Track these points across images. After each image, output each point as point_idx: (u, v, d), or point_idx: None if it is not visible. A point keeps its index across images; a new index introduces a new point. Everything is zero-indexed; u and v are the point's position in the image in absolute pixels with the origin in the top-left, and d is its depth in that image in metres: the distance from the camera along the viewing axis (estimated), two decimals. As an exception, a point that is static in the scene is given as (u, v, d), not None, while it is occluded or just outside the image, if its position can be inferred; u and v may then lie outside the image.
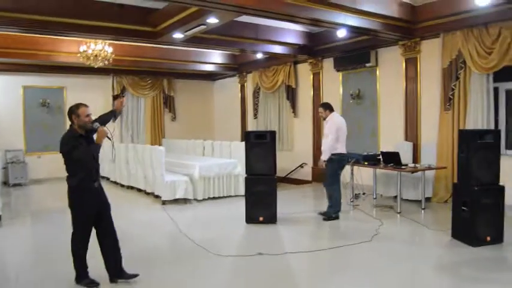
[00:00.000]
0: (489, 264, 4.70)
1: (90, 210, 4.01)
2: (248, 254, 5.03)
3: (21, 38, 9.50)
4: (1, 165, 7.14)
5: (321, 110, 6.87)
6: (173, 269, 4.69)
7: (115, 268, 4.14)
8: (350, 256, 5.09)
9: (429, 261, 4.86)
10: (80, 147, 3.86)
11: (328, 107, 6.84)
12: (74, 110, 3.97)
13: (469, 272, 4.53)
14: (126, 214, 7.20)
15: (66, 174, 4.04)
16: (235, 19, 7.69)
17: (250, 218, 6.53)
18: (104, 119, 4.29)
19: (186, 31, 7.56)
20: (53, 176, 11.97)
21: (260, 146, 6.53)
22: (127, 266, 4.24)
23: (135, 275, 4.17)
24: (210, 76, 14.64)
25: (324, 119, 6.84)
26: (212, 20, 6.93)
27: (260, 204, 6.46)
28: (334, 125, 6.66)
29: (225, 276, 4.56)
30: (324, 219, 6.72)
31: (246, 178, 6.64)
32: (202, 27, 7.26)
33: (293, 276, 4.59)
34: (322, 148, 6.77)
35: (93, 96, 12.71)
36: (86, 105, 4.03)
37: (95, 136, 4.00)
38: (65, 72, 12.13)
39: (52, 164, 12.08)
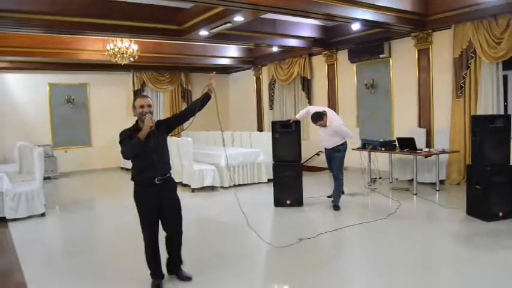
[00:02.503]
0: (502, 235, 5.21)
1: (147, 206, 3.77)
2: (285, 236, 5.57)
3: (48, 38, 9.98)
4: (43, 159, 7.64)
5: (321, 122, 6.64)
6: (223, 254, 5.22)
7: (172, 265, 4.12)
8: (376, 231, 5.59)
9: (447, 233, 5.44)
10: (126, 141, 3.68)
11: (324, 114, 6.68)
12: (132, 102, 3.83)
13: (484, 241, 5.05)
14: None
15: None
16: (253, 15, 8.13)
17: (278, 202, 7.06)
18: (200, 103, 4.01)
19: (212, 29, 8.04)
20: (80, 169, 12.67)
21: (286, 134, 7.03)
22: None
23: (189, 278, 4.07)
24: (225, 69, 15.12)
25: (324, 125, 6.69)
26: (238, 18, 7.41)
27: (287, 189, 6.99)
28: (341, 121, 6.84)
29: (267, 259, 5.09)
30: (337, 209, 6.77)
31: (273, 165, 7.16)
32: (228, 25, 7.73)
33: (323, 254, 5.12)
34: (334, 140, 6.77)
35: (115, 91, 13.39)
36: (143, 97, 3.83)
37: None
38: (87, 69, 12.63)
39: (78, 158, 12.77)
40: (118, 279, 4.30)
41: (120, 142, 3.72)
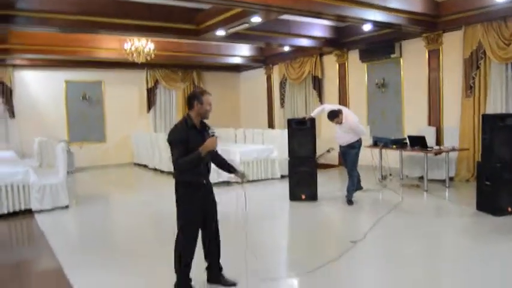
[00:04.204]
0: (510, 229, 5.46)
1: (198, 208, 3.66)
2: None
3: (66, 37, 10.23)
4: (66, 154, 7.93)
5: (337, 119, 6.83)
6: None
7: (214, 273, 3.92)
8: (388, 225, 5.83)
9: (458, 227, 5.76)
10: (180, 148, 3.50)
11: (340, 111, 6.90)
12: (198, 96, 3.59)
13: (492, 235, 5.29)
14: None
15: (174, 166, 3.61)
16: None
17: (294, 196, 7.33)
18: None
19: (229, 29, 8.30)
20: (94, 164, 12.95)
21: (301, 131, 7.29)
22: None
23: (234, 284, 3.89)
24: (237, 68, 15.36)
25: (340, 123, 6.88)
26: (255, 19, 7.68)
27: (302, 184, 7.25)
28: (356, 118, 7.09)
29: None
30: (351, 204, 7.05)
31: (289, 160, 7.42)
32: (245, 25, 8.00)
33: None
34: (348, 137, 6.96)
35: (129, 89, 13.69)
36: (210, 94, 3.68)
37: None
38: (102, 67, 12.88)
39: (93, 153, 13.08)
40: (148, 264, 4.60)
41: (173, 144, 3.53)
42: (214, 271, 3.91)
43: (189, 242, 3.69)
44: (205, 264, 3.93)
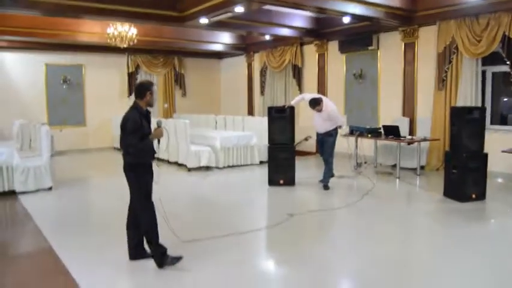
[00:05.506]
0: (473, 214, 5.90)
1: (151, 183, 4.12)
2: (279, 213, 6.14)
3: (48, 19, 10.19)
4: (50, 136, 8.03)
5: (318, 107, 7.14)
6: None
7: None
8: (361, 209, 6.20)
9: (426, 211, 6.16)
10: (138, 134, 3.89)
11: (321, 99, 7.22)
12: (149, 87, 4.03)
13: (457, 219, 5.70)
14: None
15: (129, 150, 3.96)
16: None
17: (272, 181, 7.61)
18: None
19: (212, 17, 8.45)
20: (74, 148, 13.01)
21: (281, 119, 7.56)
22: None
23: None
24: (218, 55, 15.50)
25: (321, 110, 7.19)
26: (239, 9, 7.85)
27: (281, 169, 7.55)
28: (334, 107, 7.43)
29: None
30: (327, 189, 7.38)
31: (268, 147, 7.70)
32: (228, 14, 8.17)
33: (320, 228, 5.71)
34: (326, 125, 7.28)
35: (109, 73, 13.71)
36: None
37: (152, 127, 4.11)
38: (83, 51, 12.85)
39: (72, 137, 13.10)
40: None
41: (130, 131, 3.87)
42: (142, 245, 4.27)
43: (154, 214, 4.11)
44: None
